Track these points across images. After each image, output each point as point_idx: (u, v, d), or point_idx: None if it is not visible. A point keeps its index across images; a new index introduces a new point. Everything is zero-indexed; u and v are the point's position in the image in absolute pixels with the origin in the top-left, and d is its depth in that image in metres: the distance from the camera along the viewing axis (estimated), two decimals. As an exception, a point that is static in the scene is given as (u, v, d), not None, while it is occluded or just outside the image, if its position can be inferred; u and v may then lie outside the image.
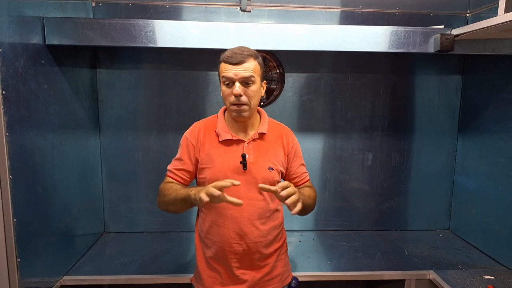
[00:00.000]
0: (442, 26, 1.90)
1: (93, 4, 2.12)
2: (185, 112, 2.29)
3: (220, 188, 1.20)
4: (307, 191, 1.48)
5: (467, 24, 2.24)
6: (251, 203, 1.43)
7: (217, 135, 1.45)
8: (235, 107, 1.36)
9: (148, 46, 1.69)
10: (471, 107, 2.30)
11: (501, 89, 2.03)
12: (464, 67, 2.35)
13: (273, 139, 1.50)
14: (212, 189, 1.19)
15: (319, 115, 2.36)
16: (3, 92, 1.31)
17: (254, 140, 1.46)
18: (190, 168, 1.46)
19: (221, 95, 1.41)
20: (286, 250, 1.62)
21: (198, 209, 1.55)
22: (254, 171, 1.42)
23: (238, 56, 1.33)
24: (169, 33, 1.70)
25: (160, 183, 1.48)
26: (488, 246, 2.12)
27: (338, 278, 1.89)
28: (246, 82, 1.34)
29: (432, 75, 2.36)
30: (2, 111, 1.31)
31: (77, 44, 1.68)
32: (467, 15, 2.28)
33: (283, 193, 1.21)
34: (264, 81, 1.45)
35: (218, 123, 1.47)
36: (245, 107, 1.36)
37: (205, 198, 1.19)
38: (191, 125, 1.54)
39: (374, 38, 1.76)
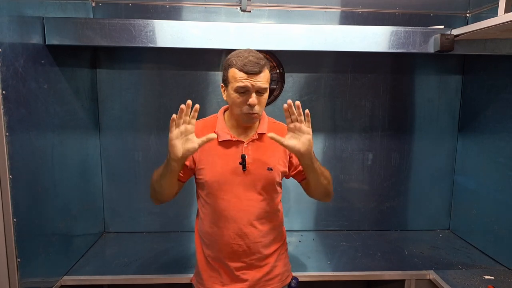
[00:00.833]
0: (442, 26, 1.90)
1: (93, 4, 2.12)
2: (185, 112, 2.28)
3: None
4: (324, 169, 1.42)
5: (467, 24, 2.24)
6: (251, 204, 1.42)
7: (216, 135, 1.45)
8: (247, 116, 1.35)
9: (148, 46, 1.69)
10: (471, 107, 2.30)
11: (501, 89, 2.03)
12: (464, 67, 2.35)
13: (272, 140, 1.49)
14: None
15: (319, 115, 2.36)
16: (3, 92, 1.31)
17: (253, 141, 1.45)
18: (188, 167, 1.45)
19: (228, 98, 1.38)
20: (286, 250, 1.61)
21: (198, 210, 1.55)
22: (254, 172, 1.42)
23: (255, 66, 1.27)
24: (169, 33, 1.70)
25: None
26: (488, 246, 2.12)
27: (338, 278, 1.89)
28: (260, 92, 1.32)
29: (432, 75, 2.36)
30: (2, 111, 1.31)
31: (77, 44, 1.68)
32: (467, 15, 2.28)
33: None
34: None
35: (218, 123, 1.47)
36: (256, 115, 1.35)
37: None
38: (191, 125, 1.54)
39: (374, 38, 1.76)
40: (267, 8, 2.20)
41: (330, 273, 1.89)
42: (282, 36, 1.75)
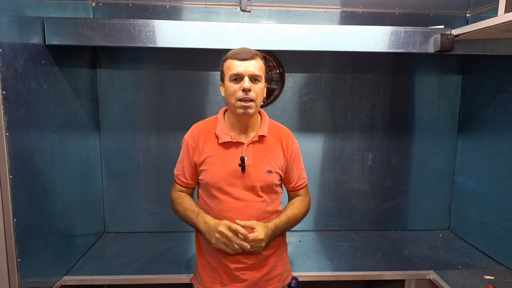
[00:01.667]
0: (442, 26, 1.90)
1: (93, 4, 2.12)
2: (185, 112, 2.29)
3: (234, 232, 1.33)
4: (293, 214, 1.51)
5: (467, 24, 2.24)
6: (250, 205, 1.43)
7: (217, 137, 1.45)
8: (242, 103, 1.35)
9: (148, 46, 1.69)
10: (471, 107, 2.30)
11: (501, 89, 2.03)
12: (464, 67, 2.35)
13: (272, 142, 1.49)
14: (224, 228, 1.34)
15: (319, 115, 2.36)
16: (3, 92, 1.31)
17: (253, 143, 1.45)
18: (192, 171, 1.49)
19: (224, 93, 1.42)
20: (286, 250, 1.62)
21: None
22: (253, 174, 1.42)
23: (247, 53, 1.36)
24: (169, 33, 1.70)
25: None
26: (488, 246, 2.12)
27: (338, 278, 1.89)
28: (254, 78, 1.36)
29: (432, 75, 2.36)
30: (2, 111, 1.31)
31: (77, 44, 1.68)
32: (467, 15, 2.28)
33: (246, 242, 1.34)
34: (266, 83, 1.45)
35: (218, 124, 1.47)
36: (251, 103, 1.36)
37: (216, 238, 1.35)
38: (191, 125, 1.55)
39: (374, 38, 1.76)
40: (267, 8, 2.20)
41: (330, 273, 1.89)
42: (282, 36, 1.75)
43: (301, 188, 1.59)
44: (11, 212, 1.36)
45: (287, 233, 1.63)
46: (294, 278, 1.62)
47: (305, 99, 2.34)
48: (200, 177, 1.46)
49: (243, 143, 1.44)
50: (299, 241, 2.30)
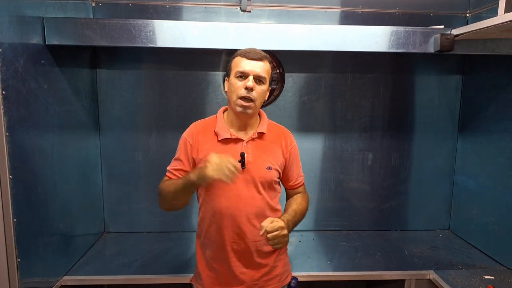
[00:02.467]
0: (442, 26, 1.90)
1: (93, 4, 2.12)
2: (185, 112, 2.29)
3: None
4: (298, 209, 1.52)
5: (467, 24, 2.23)
6: (250, 202, 1.43)
7: (216, 134, 1.46)
8: (242, 102, 1.37)
9: (148, 46, 1.69)
10: (471, 107, 2.30)
11: (501, 89, 2.03)
12: (464, 67, 2.35)
13: (272, 139, 1.50)
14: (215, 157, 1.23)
15: (319, 115, 2.36)
16: (3, 92, 1.31)
17: (253, 139, 1.46)
18: (188, 168, 1.47)
19: (227, 89, 1.44)
20: (286, 250, 1.62)
21: (199, 210, 1.55)
22: (253, 170, 1.42)
23: (256, 54, 1.38)
24: (169, 33, 1.70)
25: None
26: (488, 246, 2.12)
27: (338, 278, 1.89)
28: (259, 79, 1.38)
29: (432, 75, 2.36)
30: (2, 111, 1.31)
31: (77, 44, 1.68)
32: (467, 15, 2.28)
33: (269, 236, 1.31)
34: (269, 87, 1.47)
35: (218, 122, 1.48)
36: (251, 104, 1.37)
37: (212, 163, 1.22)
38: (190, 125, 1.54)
39: (374, 38, 1.76)
40: (267, 8, 2.20)
41: (330, 273, 1.89)
42: (282, 36, 1.75)
43: (300, 186, 1.61)
44: (11, 212, 1.36)
45: (287, 233, 1.63)
46: (294, 278, 1.62)
47: (305, 99, 2.34)
48: None
49: (243, 140, 1.45)
50: (299, 241, 2.30)
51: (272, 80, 2.26)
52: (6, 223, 1.36)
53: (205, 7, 2.18)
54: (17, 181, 1.39)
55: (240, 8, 2.18)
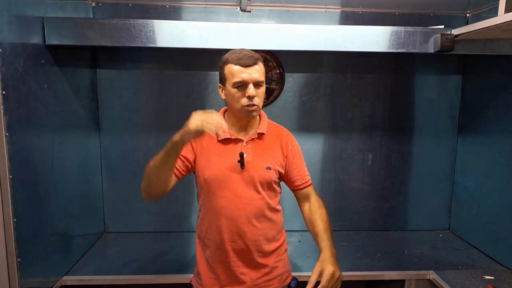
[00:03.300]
0: (442, 26, 1.90)
1: (93, 4, 2.12)
2: (185, 112, 2.24)
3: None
4: (327, 226, 1.48)
5: (467, 24, 2.23)
6: (249, 202, 1.43)
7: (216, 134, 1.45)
8: (247, 108, 1.36)
9: (148, 46, 1.69)
10: (471, 107, 2.30)
11: (501, 89, 2.03)
12: (464, 67, 2.35)
13: (272, 140, 1.50)
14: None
15: (319, 115, 2.36)
16: (3, 92, 1.31)
17: (252, 139, 1.46)
18: (185, 158, 1.44)
19: (225, 97, 1.42)
20: (286, 250, 1.61)
21: (199, 210, 1.55)
22: (252, 170, 1.42)
23: (250, 59, 1.33)
24: (169, 33, 1.70)
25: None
26: (488, 246, 2.12)
27: (338, 278, 1.88)
28: (257, 84, 1.36)
29: (432, 75, 2.36)
30: (2, 111, 1.31)
31: (77, 44, 1.69)
32: (467, 15, 2.28)
33: None
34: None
35: (218, 122, 1.47)
36: (256, 107, 1.37)
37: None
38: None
39: (374, 38, 1.76)
40: (267, 8, 2.20)
41: (330, 273, 1.89)
42: (282, 36, 1.75)
43: (308, 185, 1.56)
44: (11, 212, 1.36)
45: (287, 233, 1.63)
46: (294, 278, 1.62)
47: (305, 99, 2.34)
48: (199, 174, 1.46)
49: (242, 140, 1.45)
50: (299, 241, 2.30)
51: (272, 80, 2.27)
52: (6, 223, 1.36)
53: (205, 7, 2.18)
54: (17, 181, 1.39)
55: (240, 8, 2.18)
